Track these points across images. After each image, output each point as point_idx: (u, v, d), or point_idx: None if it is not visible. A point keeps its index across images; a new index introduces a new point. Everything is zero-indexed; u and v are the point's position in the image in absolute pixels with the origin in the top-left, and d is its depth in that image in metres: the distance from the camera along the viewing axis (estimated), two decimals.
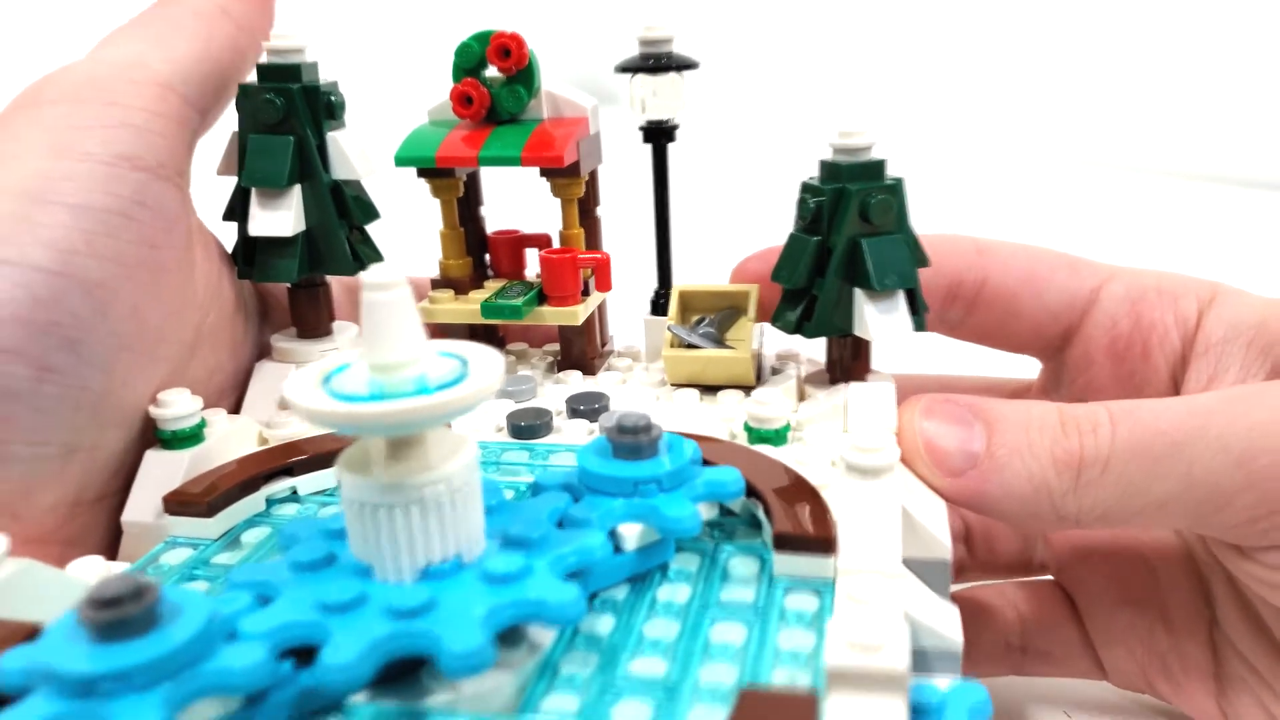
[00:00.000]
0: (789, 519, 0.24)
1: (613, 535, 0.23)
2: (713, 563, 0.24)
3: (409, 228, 0.39)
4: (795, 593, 0.23)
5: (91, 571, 0.25)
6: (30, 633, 0.21)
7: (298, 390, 0.20)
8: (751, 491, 0.25)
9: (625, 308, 0.39)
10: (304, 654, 0.20)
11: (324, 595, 0.20)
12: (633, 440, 0.24)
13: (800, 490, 0.25)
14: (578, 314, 0.33)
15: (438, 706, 0.20)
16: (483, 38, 0.33)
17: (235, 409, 0.32)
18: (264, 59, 0.31)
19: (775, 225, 0.33)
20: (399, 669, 0.20)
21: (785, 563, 0.23)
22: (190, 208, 0.30)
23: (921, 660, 0.22)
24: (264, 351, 0.34)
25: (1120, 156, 1.15)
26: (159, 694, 0.18)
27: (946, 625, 0.23)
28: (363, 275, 0.20)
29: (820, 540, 0.23)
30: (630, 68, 0.34)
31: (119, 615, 0.18)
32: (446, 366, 0.21)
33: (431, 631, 0.19)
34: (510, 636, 0.21)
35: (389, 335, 0.20)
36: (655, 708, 0.19)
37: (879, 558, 0.23)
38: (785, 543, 0.23)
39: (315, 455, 0.29)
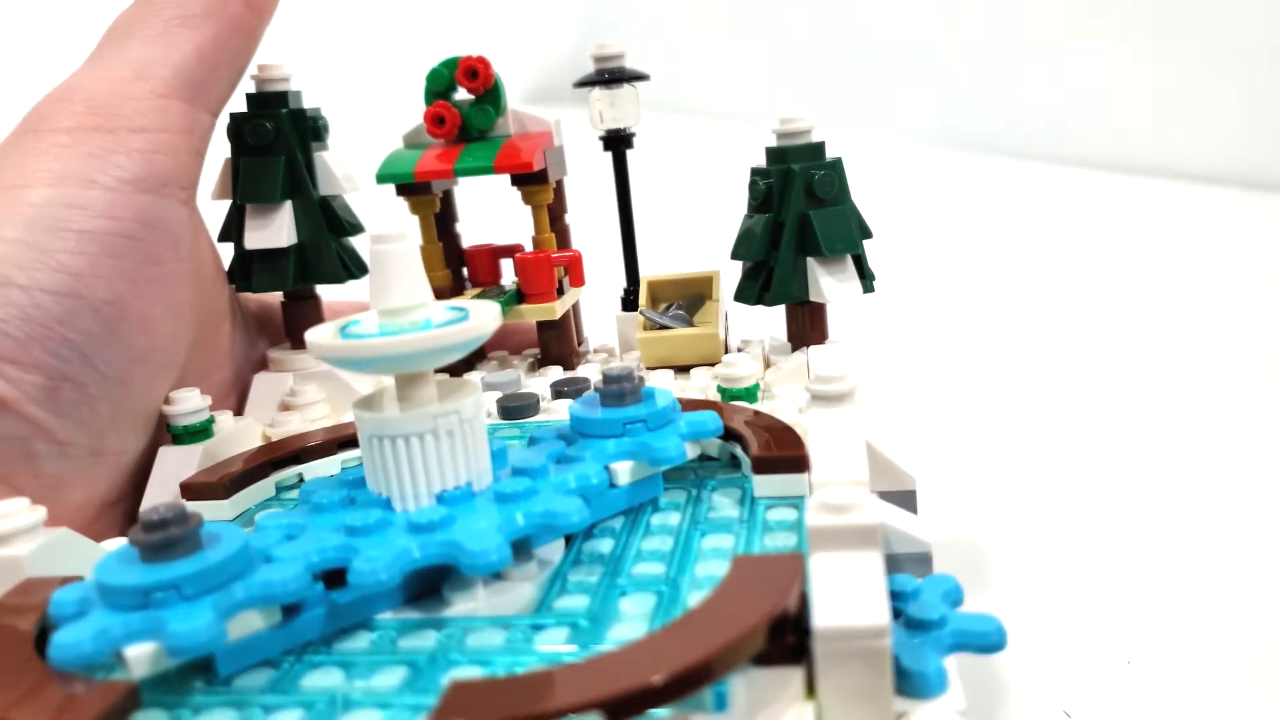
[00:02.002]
0: (765, 444, 0.26)
1: (607, 473, 0.25)
2: (698, 495, 0.27)
3: None
4: (775, 508, 0.25)
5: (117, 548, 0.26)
6: (73, 581, 0.23)
7: (319, 335, 0.23)
8: (728, 434, 0.28)
9: (597, 310, 0.41)
10: (333, 579, 0.21)
11: (348, 520, 0.22)
12: (618, 387, 0.27)
13: (772, 423, 0.27)
14: (555, 308, 0.36)
15: (461, 615, 0.22)
16: (451, 63, 0.36)
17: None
18: (251, 88, 0.34)
19: (720, 215, 0.35)
20: (424, 590, 0.22)
21: (764, 483, 0.26)
22: (196, 220, 0.32)
23: (895, 564, 0.25)
24: (257, 364, 0.36)
25: (1098, 155, 1.11)
26: (208, 601, 0.19)
27: (916, 530, 0.25)
28: (373, 232, 0.22)
29: (794, 459, 0.25)
30: (588, 82, 0.37)
31: (167, 536, 0.20)
32: (449, 314, 0.23)
33: (451, 539, 0.21)
34: (521, 556, 0.23)
35: (396, 282, 0.23)
36: (658, 597, 0.21)
37: (847, 471, 0.25)
38: (763, 465, 0.26)
39: (320, 444, 0.31)
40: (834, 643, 0.18)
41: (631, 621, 0.21)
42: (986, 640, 0.22)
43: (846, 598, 0.19)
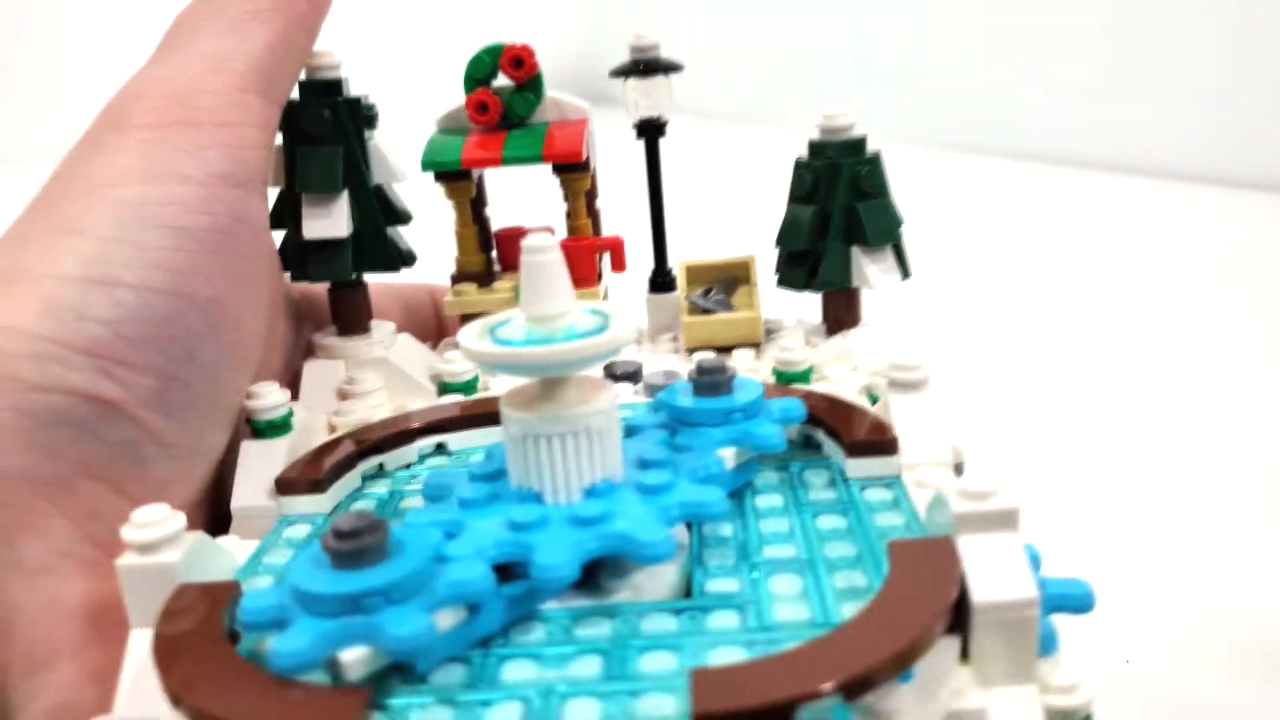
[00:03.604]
0: (856, 430, 0.28)
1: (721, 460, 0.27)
2: (789, 477, 0.29)
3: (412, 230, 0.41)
4: (870, 488, 0.27)
5: (233, 547, 0.27)
6: (232, 589, 0.23)
7: (470, 340, 0.23)
8: (810, 417, 0.30)
9: (619, 292, 0.42)
10: (500, 573, 0.23)
11: (513, 517, 0.23)
12: (712, 379, 0.28)
13: (853, 409, 0.30)
14: (598, 294, 0.37)
15: (624, 601, 0.23)
16: (494, 51, 0.36)
17: None
18: (303, 76, 0.33)
19: (745, 203, 0.37)
20: (577, 581, 0.24)
21: (857, 466, 0.28)
22: (268, 213, 0.32)
23: None
24: (302, 352, 0.36)
25: (1106, 155, 1.14)
26: (416, 604, 0.20)
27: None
28: (523, 241, 0.23)
29: (886, 443, 0.28)
30: (623, 72, 0.38)
31: (361, 544, 0.21)
32: (590, 319, 0.24)
33: (622, 532, 0.22)
34: None
35: (545, 291, 0.24)
36: (803, 578, 0.23)
37: (932, 451, 0.28)
38: (857, 449, 0.28)
39: (397, 434, 0.31)
40: (991, 615, 0.21)
41: (788, 602, 0.23)
42: (1080, 602, 0.25)
43: (997, 575, 0.21)
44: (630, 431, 0.29)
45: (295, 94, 0.33)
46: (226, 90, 0.30)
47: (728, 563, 0.24)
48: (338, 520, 0.21)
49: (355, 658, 0.20)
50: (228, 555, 0.25)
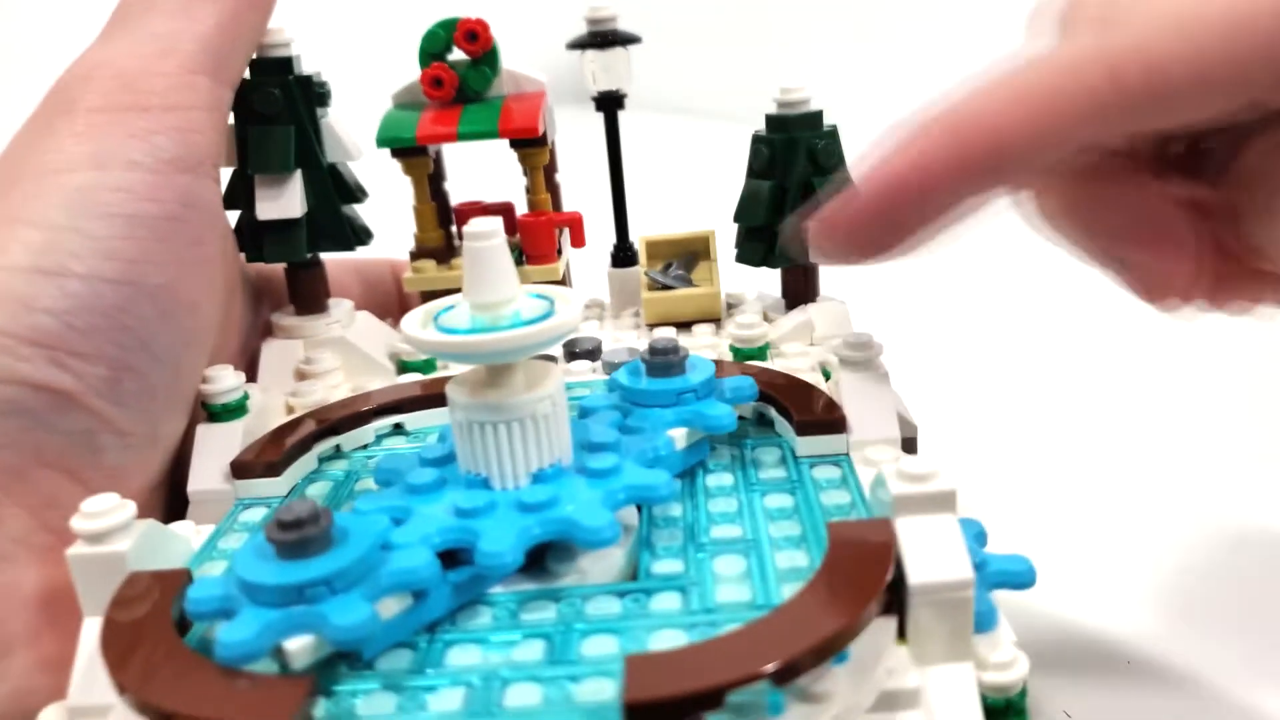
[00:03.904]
0: (807, 408, 0.29)
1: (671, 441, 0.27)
2: (741, 455, 0.29)
3: (371, 207, 0.41)
4: (819, 466, 0.28)
5: (185, 532, 0.27)
6: (182, 577, 0.23)
7: (414, 327, 0.24)
8: (761, 395, 0.30)
9: (581, 266, 0.42)
10: (445, 560, 0.23)
11: (459, 503, 0.23)
12: (664, 360, 0.29)
13: (804, 388, 0.30)
14: (558, 270, 0.37)
15: (569, 585, 0.23)
16: (448, 24, 0.36)
17: None
18: (254, 54, 0.33)
19: (706, 176, 0.37)
20: (525, 564, 0.24)
21: (807, 444, 0.28)
22: (220, 195, 0.31)
23: None
24: (260, 332, 0.36)
25: None
26: (359, 593, 0.21)
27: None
28: (466, 227, 0.23)
29: (835, 421, 0.28)
30: (581, 44, 0.37)
31: (304, 535, 0.21)
32: (536, 305, 0.25)
33: (567, 517, 0.23)
34: None
35: (489, 278, 0.24)
36: (748, 559, 0.24)
37: (880, 430, 0.28)
38: (807, 428, 0.28)
39: (354, 415, 0.32)
40: (927, 595, 0.21)
41: (731, 582, 0.23)
42: (1021, 579, 0.25)
43: (934, 556, 0.22)
44: (585, 412, 0.29)
45: (246, 73, 0.33)
46: (176, 72, 0.29)
47: (675, 544, 0.25)
48: (280, 510, 0.21)
49: (299, 646, 0.20)
50: (181, 542, 0.26)
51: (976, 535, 0.27)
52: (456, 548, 0.23)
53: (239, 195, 0.34)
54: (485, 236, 0.23)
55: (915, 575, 0.21)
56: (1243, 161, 0.25)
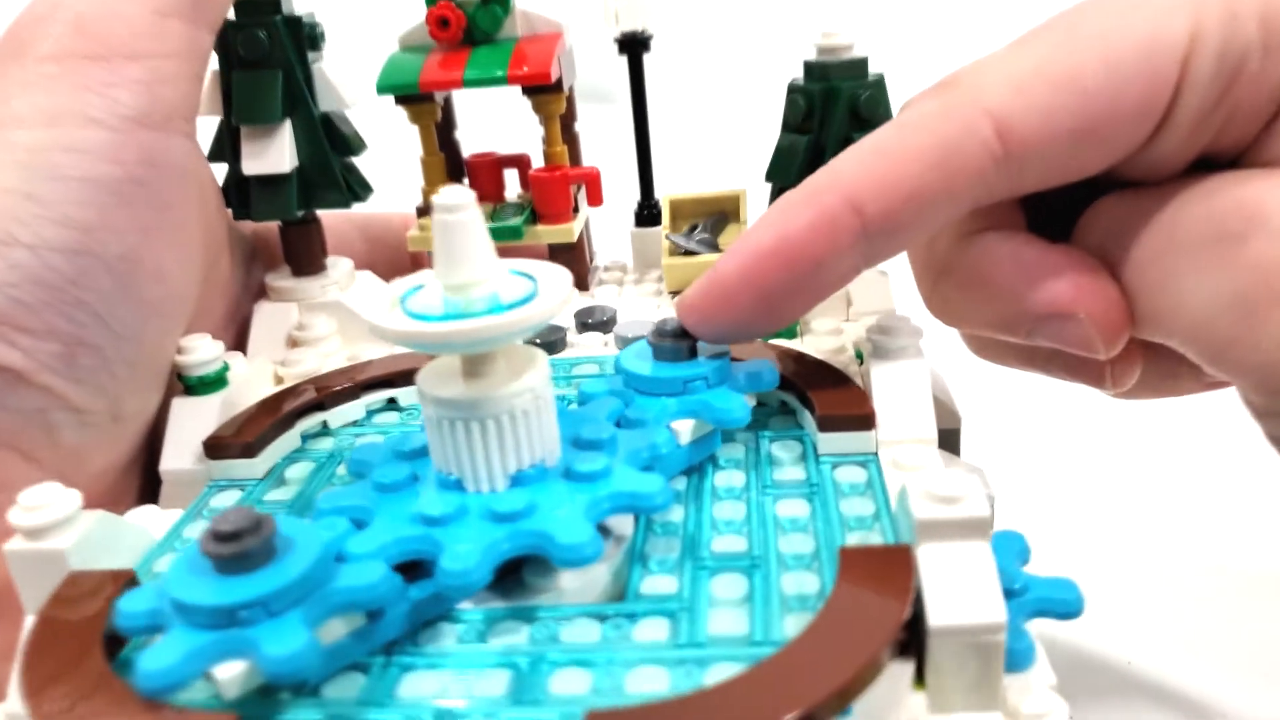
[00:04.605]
0: (830, 401, 0.25)
1: (672, 434, 0.24)
2: (757, 449, 0.26)
3: (378, 159, 0.39)
4: (842, 467, 0.25)
5: (147, 520, 0.25)
6: (126, 580, 0.21)
7: (376, 312, 0.21)
8: (782, 382, 0.27)
9: (603, 223, 0.39)
10: (410, 570, 0.21)
11: (424, 509, 0.21)
12: (675, 343, 0.26)
13: (831, 375, 0.27)
14: (572, 230, 0.34)
15: (544, 603, 0.21)
16: None
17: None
18: None
19: (744, 130, 0.33)
20: (499, 574, 0.21)
21: (829, 441, 0.25)
22: (197, 149, 0.29)
23: None
24: (254, 292, 0.34)
25: None
26: (297, 615, 0.18)
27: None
28: (434, 197, 0.20)
29: (861, 417, 0.25)
30: None
31: (242, 548, 0.19)
32: (517, 285, 0.22)
33: (541, 530, 0.20)
34: (598, 532, 0.22)
35: (462, 255, 0.21)
36: (749, 579, 0.21)
37: (914, 428, 0.25)
38: (829, 423, 0.25)
39: (344, 388, 0.29)
40: (949, 639, 0.18)
41: (728, 608, 0.20)
42: (1066, 608, 0.22)
43: (960, 593, 0.19)
44: (585, 398, 0.26)
45: (230, 13, 0.30)
46: (141, 15, 0.27)
47: (671, 556, 0.22)
48: (216, 520, 0.19)
49: (231, 676, 0.18)
50: (138, 534, 0.24)
51: (1018, 553, 0.24)
52: (419, 559, 0.20)
53: (225, 148, 0.31)
54: (455, 208, 0.20)
55: (937, 615, 0.18)
56: (1098, 220, 0.24)
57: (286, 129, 0.31)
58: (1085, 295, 0.23)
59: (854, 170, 0.23)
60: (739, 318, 0.24)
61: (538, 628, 0.20)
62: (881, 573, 0.19)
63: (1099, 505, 0.38)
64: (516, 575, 0.22)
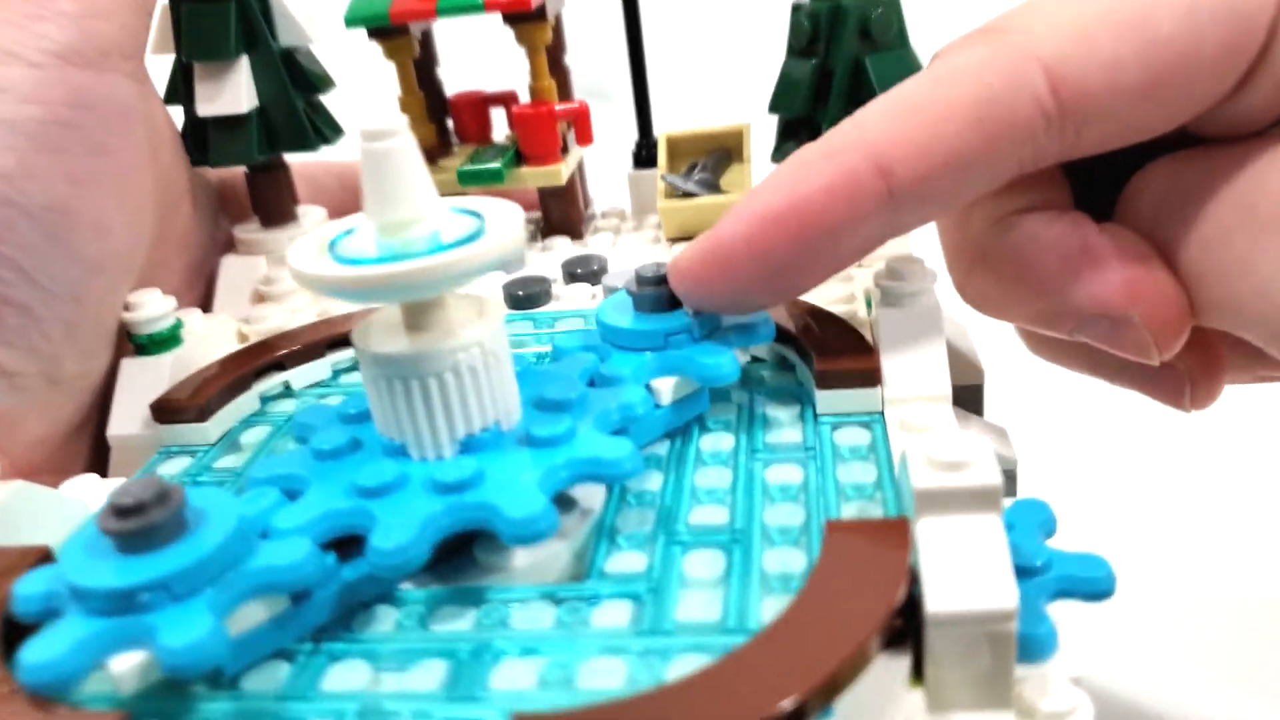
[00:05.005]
0: (829, 355, 0.23)
1: (650, 393, 0.22)
2: (750, 409, 0.23)
3: (354, 99, 0.36)
4: (843, 428, 0.22)
5: (86, 490, 0.23)
6: (40, 556, 0.19)
7: (302, 258, 0.18)
8: (780, 334, 0.24)
9: (601, 166, 0.37)
10: (345, 545, 0.18)
11: (359, 479, 0.18)
12: (655, 291, 0.23)
13: (833, 325, 0.24)
14: (560, 173, 0.31)
15: (495, 584, 0.19)
16: None
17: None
18: None
19: (746, 59, 0.30)
20: (448, 550, 0.19)
21: (829, 399, 0.22)
22: (147, 90, 0.27)
23: None
24: (222, 245, 0.32)
25: None
26: (203, 600, 0.16)
27: (999, 445, 0.22)
28: (361, 125, 0.18)
29: (865, 372, 0.22)
30: None
31: (145, 523, 0.16)
32: (461, 223, 0.19)
33: (486, 502, 0.18)
34: (560, 504, 0.20)
35: (394, 189, 0.18)
36: (727, 556, 0.19)
37: (925, 384, 0.22)
38: (829, 379, 0.22)
39: (306, 346, 0.27)
40: (949, 629, 0.16)
41: (700, 589, 0.18)
42: (1095, 587, 0.19)
43: (964, 574, 0.16)
44: (558, 355, 0.24)
45: None
46: None
47: (643, 529, 0.20)
48: (116, 492, 0.17)
49: (128, 668, 0.16)
50: (68, 506, 0.22)
51: (1042, 524, 0.21)
52: (354, 535, 0.18)
53: (180, 89, 0.29)
54: (384, 134, 0.18)
55: (935, 600, 0.16)
56: (1149, 189, 0.21)
57: (244, 66, 0.28)
58: (1139, 292, 0.20)
59: (882, 126, 0.20)
60: (739, 289, 0.21)
61: (485, 611, 0.18)
62: (873, 550, 0.17)
63: (1138, 473, 0.35)
64: (467, 553, 0.19)
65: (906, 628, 0.16)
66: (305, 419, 0.22)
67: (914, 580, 0.16)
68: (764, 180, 0.21)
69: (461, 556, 0.19)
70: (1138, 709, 0.27)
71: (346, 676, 0.17)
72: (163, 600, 0.16)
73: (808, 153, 0.20)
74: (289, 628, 0.17)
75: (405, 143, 0.18)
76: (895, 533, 0.17)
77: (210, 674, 0.17)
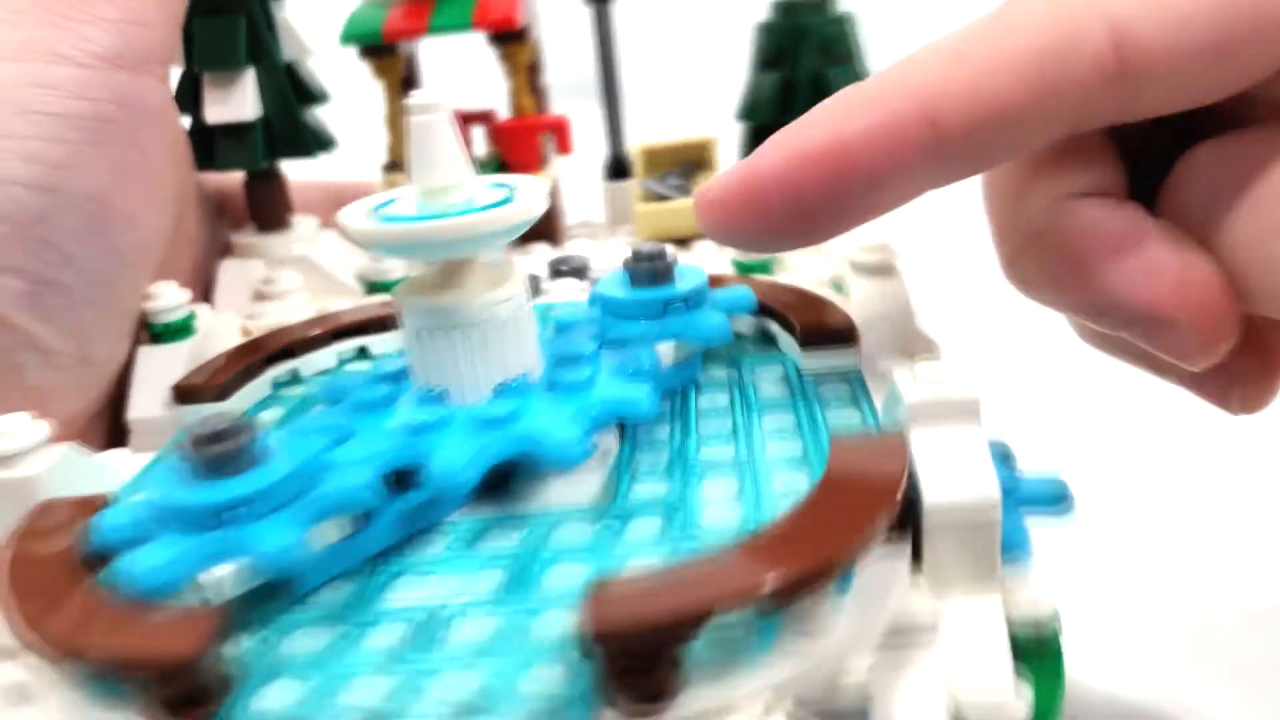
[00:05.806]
0: (810, 317, 0.25)
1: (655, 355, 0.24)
2: (739, 373, 0.26)
3: (340, 118, 0.38)
4: (826, 383, 0.25)
5: (119, 463, 0.24)
6: (100, 504, 0.21)
7: (353, 219, 0.21)
8: (761, 309, 0.27)
9: (570, 181, 0.39)
10: (397, 482, 0.20)
11: (409, 419, 0.20)
12: (651, 265, 0.25)
13: (808, 296, 0.27)
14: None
15: (534, 511, 0.21)
16: None
17: None
18: None
19: (711, 77, 0.33)
20: (487, 489, 0.21)
21: (813, 359, 0.25)
22: (171, 100, 0.28)
23: None
24: (219, 251, 0.33)
25: None
26: (286, 516, 0.18)
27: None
28: (407, 100, 0.20)
29: (843, 331, 0.25)
30: None
31: (232, 447, 0.18)
32: (494, 193, 0.21)
33: (529, 434, 0.20)
34: None
35: (436, 157, 0.21)
36: (740, 481, 0.21)
37: (897, 342, 0.25)
38: (810, 338, 0.25)
39: (315, 336, 0.29)
40: (945, 516, 0.18)
41: (720, 505, 0.20)
42: (1054, 501, 0.22)
43: (953, 471, 0.19)
44: (562, 328, 0.26)
45: None
46: None
47: (659, 466, 0.22)
48: (197, 424, 0.18)
49: (219, 577, 0.18)
50: (109, 471, 0.23)
51: (1002, 457, 0.24)
52: (406, 469, 0.20)
53: (188, 96, 0.31)
54: (431, 108, 0.20)
55: (932, 493, 0.18)
56: (1197, 175, 0.20)
57: (250, 76, 0.30)
58: (1190, 296, 0.19)
59: (933, 73, 0.19)
60: (766, 224, 0.20)
61: (529, 531, 0.20)
62: (875, 454, 0.19)
63: (1138, 472, 0.36)
64: (505, 489, 0.21)
65: (906, 519, 0.19)
66: (336, 382, 0.23)
67: (911, 480, 0.19)
68: (805, 115, 0.20)
69: (500, 494, 0.21)
70: (1139, 709, 0.29)
71: (410, 590, 0.19)
72: (248, 517, 0.18)
73: (854, 92, 0.19)
74: (354, 550, 0.19)
75: (447, 117, 0.20)
76: (894, 440, 0.19)
77: (287, 589, 0.18)
